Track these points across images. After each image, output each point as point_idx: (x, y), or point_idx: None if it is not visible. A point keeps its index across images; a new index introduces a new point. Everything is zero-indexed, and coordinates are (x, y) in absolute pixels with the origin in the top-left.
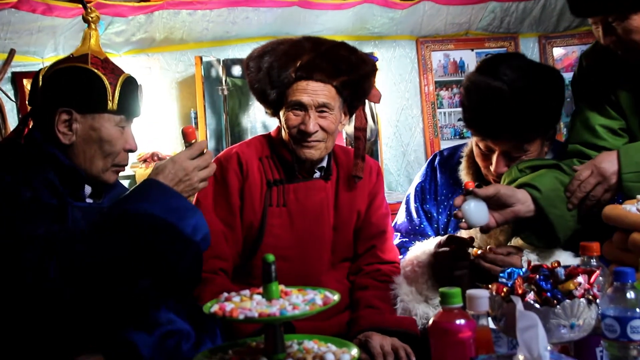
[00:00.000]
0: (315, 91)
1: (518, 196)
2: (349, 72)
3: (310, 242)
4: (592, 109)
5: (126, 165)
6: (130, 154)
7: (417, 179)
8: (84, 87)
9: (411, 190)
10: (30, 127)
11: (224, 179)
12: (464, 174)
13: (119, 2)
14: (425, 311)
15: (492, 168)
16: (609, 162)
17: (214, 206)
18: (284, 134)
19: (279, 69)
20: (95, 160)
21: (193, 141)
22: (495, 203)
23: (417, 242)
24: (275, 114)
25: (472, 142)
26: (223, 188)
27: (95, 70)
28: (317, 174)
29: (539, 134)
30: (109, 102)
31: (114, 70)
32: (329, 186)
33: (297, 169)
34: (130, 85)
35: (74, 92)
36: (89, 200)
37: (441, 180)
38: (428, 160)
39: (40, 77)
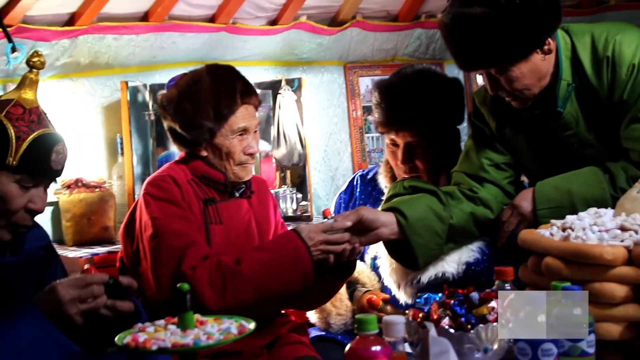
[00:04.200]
0: (252, 114)
1: (382, 219)
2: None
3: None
4: (480, 143)
5: (28, 225)
6: (56, 179)
7: (338, 193)
8: None
9: (332, 205)
10: None
11: (171, 196)
12: (381, 177)
13: (42, 26)
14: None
15: (398, 162)
16: (525, 201)
17: (174, 223)
18: (213, 158)
19: (222, 100)
20: None
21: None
22: (359, 227)
23: None
24: (204, 143)
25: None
26: (176, 208)
27: (4, 120)
28: (237, 194)
29: (431, 129)
30: (9, 157)
31: (32, 125)
32: (248, 204)
33: (229, 188)
34: (44, 144)
35: None
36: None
37: (359, 190)
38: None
39: None
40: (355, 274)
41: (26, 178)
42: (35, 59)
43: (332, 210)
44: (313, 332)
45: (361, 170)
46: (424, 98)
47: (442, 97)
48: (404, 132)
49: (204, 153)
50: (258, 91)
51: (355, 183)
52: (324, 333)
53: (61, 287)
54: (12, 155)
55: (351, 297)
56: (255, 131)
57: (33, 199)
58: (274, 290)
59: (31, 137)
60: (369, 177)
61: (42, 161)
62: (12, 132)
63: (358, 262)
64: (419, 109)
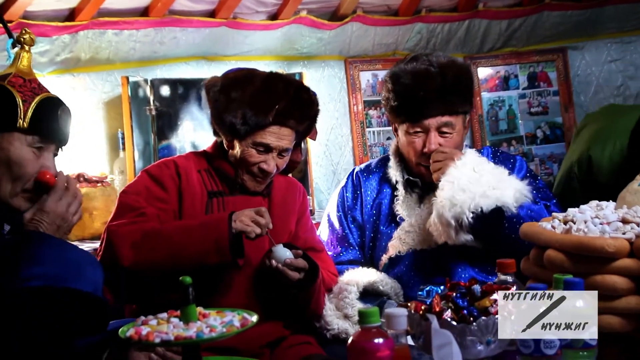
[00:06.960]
0: (284, 136)
1: None
2: (310, 117)
3: (251, 251)
4: None
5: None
6: (62, 146)
7: (338, 190)
8: None
9: (332, 203)
10: None
11: (161, 182)
12: (393, 170)
13: (43, 21)
14: (344, 327)
15: (430, 146)
16: None
17: (136, 201)
18: (231, 154)
19: (255, 110)
20: (3, 183)
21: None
22: None
23: (344, 253)
24: (229, 139)
25: (398, 137)
26: (160, 189)
27: (9, 87)
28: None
29: (462, 108)
30: (19, 119)
31: (35, 90)
32: (265, 203)
33: (237, 186)
34: (50, 105)
35: None
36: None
37: (364, 187)
38: (347, 175)
39: None
40: (380, 287)
41: (37, 140)
42: (25, 36)
43: (334, 206)
44: None
45: (357, 167)
46: (458, 77)
47: (469, 74)
48: (434, 117)
49: (227, 147)
50: None
51: (356, 180)
52: None
53: None
54: (22, 117)
55: (381, 311)
56: (283, 154)
57: (45, 164)
58: (187, 253)
59: (36, 99)
60: (370, 171)
61: (50, 121)
62: (18, 96)
63: (376, 272)
64: (448, 93)
